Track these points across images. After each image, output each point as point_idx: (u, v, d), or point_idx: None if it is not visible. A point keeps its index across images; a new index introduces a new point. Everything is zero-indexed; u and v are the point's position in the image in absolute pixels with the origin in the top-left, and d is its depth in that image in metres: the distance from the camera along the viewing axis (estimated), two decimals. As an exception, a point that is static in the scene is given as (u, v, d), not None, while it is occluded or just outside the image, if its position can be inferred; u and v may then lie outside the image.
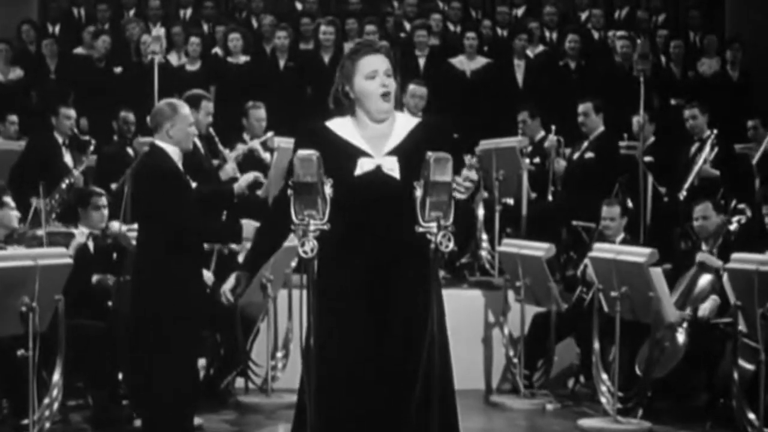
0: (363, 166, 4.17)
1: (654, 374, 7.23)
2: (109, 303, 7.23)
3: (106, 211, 7.55)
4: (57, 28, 13.08)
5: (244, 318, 7.77)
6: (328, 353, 4.07)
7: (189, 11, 13.34)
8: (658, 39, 12.46)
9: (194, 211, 5.79)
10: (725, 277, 6.55)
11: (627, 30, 12.34)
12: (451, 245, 3.89)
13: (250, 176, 6.80)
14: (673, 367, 7.31)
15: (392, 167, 4.18)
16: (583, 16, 13.24)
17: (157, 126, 5.91)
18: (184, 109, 5.98)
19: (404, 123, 4.33)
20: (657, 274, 6.85)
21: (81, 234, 7.31)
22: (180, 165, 5.96)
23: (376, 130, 4.27)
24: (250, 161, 9.00)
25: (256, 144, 9.20)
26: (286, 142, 8.54)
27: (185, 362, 5.92)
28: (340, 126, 4.29)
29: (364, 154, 4.20)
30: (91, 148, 9.53)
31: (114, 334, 7.04)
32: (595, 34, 12.83)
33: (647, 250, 6.91)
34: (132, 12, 13.26)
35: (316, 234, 3.91)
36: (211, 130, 8.21)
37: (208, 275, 7.38)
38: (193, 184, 6.11)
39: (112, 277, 7.25)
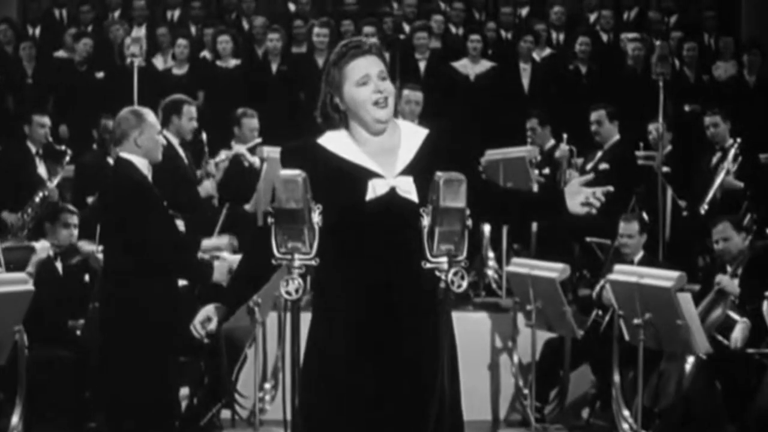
0: (375, 188, 3.57)
1: (659, 405, 6.79)
2: (78, 332, 6.64)
3: (75, 231, 7.00)
4: (37, 30, 12.60)
5: (229, 344, 7.30)
6: (324, 407, 3.55)
7: (177, 12, 12.86)
8: (670, 41, 11.89)
9: (166, 232, 5.30)
10: (765, 306, 5.93)
11: (637, 32, 11.92)
12: (465, 284, 3.31)
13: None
14: (685, 395, 6.78)
15: (408, 189, 3.59)
16: (592, 17, 12.78)
17: (123, 136, 5.42)
18: (150, 116, 5.51)
19: (411, 135, 3.73)
20: (686, 300, 6.25)
21: (43, 249, 6.71)
22: (150, 178, 5.46)
23: (379, 145, 3.67)
24: (237, 167, 8.69)
25: (242, 149, 8.85)
26: (276, 152, 7.96)
27: (161, 393, 5.49)
28: (336, 143, 3.67)
29: (374, 174, 3.60)
30: (67, 158, 8.99)
31: (84, 364, 6.49)
32: (605, 36, 12.37)
33: (675, 274, 6.30)
34: (117, 13, 12.79)
35: (302, 271, 3.30)
36: (204, 136, 7.94)
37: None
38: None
39: (99, 251, 6.62)
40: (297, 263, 3.30)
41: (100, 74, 11.42)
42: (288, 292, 3.27)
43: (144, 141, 5.36)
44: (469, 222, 3.32)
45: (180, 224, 6.85)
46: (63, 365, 6.50)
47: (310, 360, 3.56)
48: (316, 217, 3.31)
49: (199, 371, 7.42)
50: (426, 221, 3.30)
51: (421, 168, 3.59)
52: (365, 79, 3.63)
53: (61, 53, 11.87)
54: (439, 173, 3.27)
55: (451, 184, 3.26)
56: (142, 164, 5.37)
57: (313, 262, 3.31)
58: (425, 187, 3.42)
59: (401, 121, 3.80)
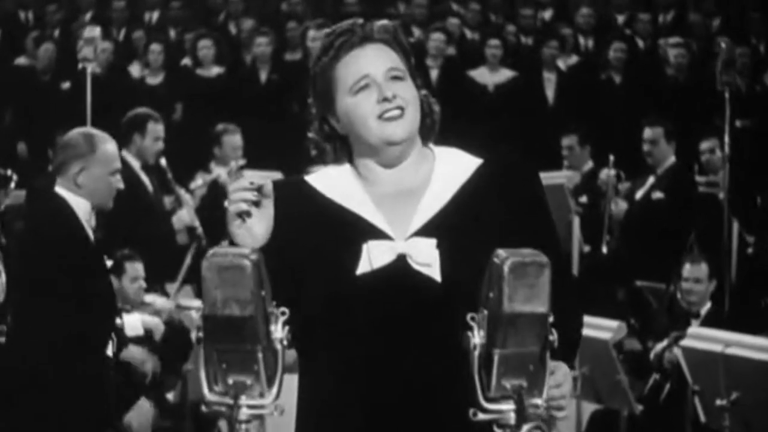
0: (372, 256, 2.22)
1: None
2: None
3: (3, 277, 5.71)
4: (-1, 35, 11.74)
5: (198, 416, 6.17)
6: None
7: (155, 14, 11.94)
8: (715, 47, 10.79)
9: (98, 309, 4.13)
10: None
11: (676, 36, 10.85)
12: (547, 452, 1.90)
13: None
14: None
15: (427, 259, 2.23)
16: (620, 18, 11.72)
17: (62, 166, 4.13)
18: (106, 146, 4.16)
19: (451, 168, 2.32)
20: (791, 378, 4.97)
21: None
22: (88, 225, 4.15)
23: (397, 183, 2.31)
24: (215, 195, 7.83)
25: (223, 173, 8.06)
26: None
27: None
28: (331, 181, 2.33)
29: (375, 232, 2.24)
30: (13, 184, 7.75)
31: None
32: (641, 42, 11.30)
33: (771, 342, 5.06)
34: (89, 15, 11.72)
35: (251, 426, 1.88)
36: (163, 161, 7.11)
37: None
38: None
39: None
40: (244, 414, 1.84)
41: (66, 84, 10.35)
42: (227, 467, 1.83)
43: (87, 180, 4.08)
44: (554, 336, 1.90)
45: (139, 268, 6.06)
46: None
47: None
48: (279, 331, 1.86)
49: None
50: (478, 338, 1.87)
51: (455, 225, 2.22)
52: (363, 81, 2.26)
53: (22, 60, 10.95)
54: (501, 252, 1.85)
55: (524, 271, 1.85)
56: (81, 206, 4.08)
57: (274, 412, 1.87)
58: (460, 258, 2.12)
59: (441, 148, 2.38)
